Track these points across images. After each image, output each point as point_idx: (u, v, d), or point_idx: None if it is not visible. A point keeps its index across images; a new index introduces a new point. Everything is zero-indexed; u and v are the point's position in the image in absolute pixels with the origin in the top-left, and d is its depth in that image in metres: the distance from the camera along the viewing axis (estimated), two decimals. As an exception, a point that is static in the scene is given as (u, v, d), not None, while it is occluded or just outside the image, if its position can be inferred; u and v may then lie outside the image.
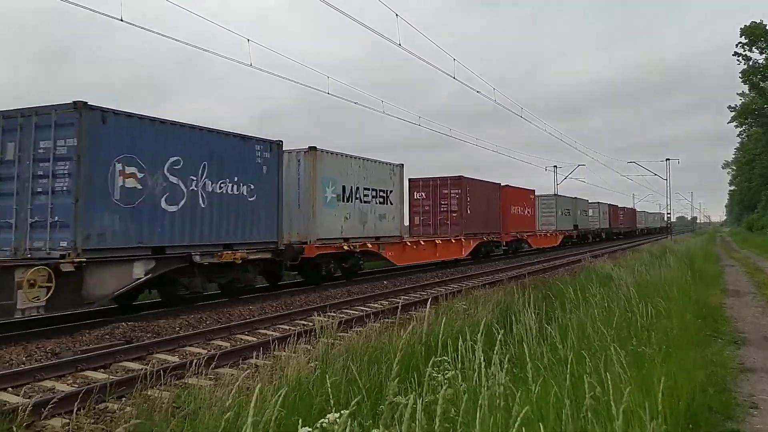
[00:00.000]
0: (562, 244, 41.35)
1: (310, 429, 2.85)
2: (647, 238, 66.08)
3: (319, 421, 2.88)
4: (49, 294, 9.18)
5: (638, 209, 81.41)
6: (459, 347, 4.48)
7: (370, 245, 18.64)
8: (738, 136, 64.00)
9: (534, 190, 37.05)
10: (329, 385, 3.74)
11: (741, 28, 45.11)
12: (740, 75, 47.37)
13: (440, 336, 4.82)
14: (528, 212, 35.15)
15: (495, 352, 3.96)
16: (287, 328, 10.79)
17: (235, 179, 13.08)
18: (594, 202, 51.52)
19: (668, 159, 58.53)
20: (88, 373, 7.63)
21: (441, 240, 23.88)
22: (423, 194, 26.11)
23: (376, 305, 13.46)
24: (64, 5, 9.87)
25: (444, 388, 3.72)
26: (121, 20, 10.09)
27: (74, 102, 9.76)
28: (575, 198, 45.58)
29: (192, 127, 12.14)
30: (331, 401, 3.53)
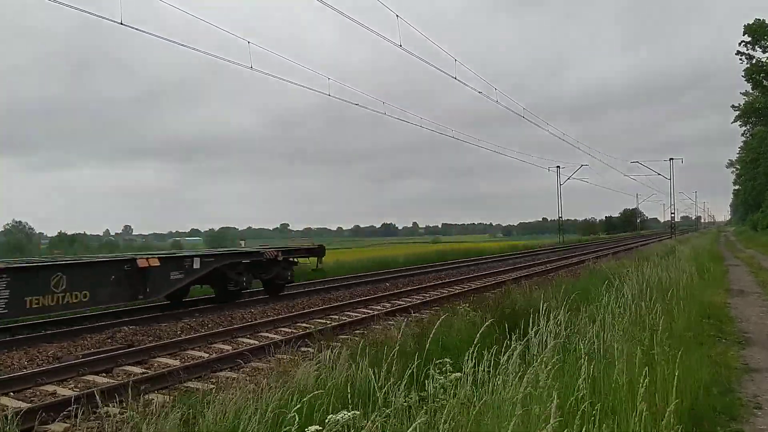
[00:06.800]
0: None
1: (320, 428, 2.81)
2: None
3: (327, 418, 2.84)
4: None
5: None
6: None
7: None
8: (742, 135, 63.79)
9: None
10: (331, 388, 3.72)
11: (744, 26, 44.87)
12: (743, 74, 47.16)
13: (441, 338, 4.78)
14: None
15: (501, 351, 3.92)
16: (289, 330, 10.76)
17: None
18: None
19: (672, 159, 58.48)
20: (90, 377, 7.62)
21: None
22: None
23: (378, 307, 13.42)
24: (88, 16, 9.91)
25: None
26: (121, 23, 10.10)
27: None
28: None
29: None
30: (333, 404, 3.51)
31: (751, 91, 51.75)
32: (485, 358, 3.90)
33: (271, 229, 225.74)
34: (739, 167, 79.75)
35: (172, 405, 5.23)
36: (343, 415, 2.87)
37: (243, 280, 13.81)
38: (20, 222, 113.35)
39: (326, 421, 2.83)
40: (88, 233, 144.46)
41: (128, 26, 10.48)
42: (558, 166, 61.61)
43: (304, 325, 11.21)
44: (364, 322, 11.10)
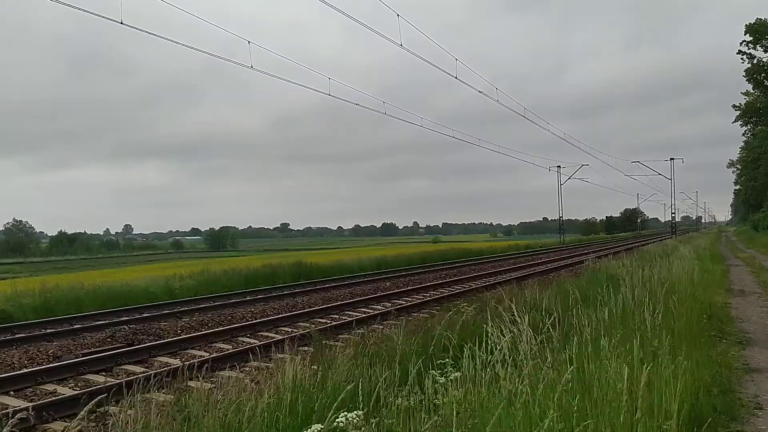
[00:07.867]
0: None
1: (322, 426, 2.80)
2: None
3: (335, 419, 2.83)
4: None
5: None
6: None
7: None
8: (743, 135, 63.72)
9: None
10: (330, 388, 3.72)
11: (746, 26, 44.73)
12: (744, 73, 47.07)
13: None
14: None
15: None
16: (289, 330, 10.75)
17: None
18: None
19: (672, 158, 58.44)
20: (90, 376, 7.62)
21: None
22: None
23: (378, 306, 13.41)
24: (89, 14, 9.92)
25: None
26: (121, 23, 10.09)
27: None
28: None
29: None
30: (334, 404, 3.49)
31: (752, 91, 51.67)
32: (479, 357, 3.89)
33: (271, 228, 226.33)
34: (740, 167, 79.63)
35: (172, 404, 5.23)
36: (347, 415, 2.86)
37: None
38: (20, 221, 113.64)
39: (332, 420, 2.82)
40: (88, 232, 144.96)
41: (128, 26, 10.48)
42: (559, 166, 61.60)
43: (305, 324, 11.20)
44: (364, 322, 11.08)
